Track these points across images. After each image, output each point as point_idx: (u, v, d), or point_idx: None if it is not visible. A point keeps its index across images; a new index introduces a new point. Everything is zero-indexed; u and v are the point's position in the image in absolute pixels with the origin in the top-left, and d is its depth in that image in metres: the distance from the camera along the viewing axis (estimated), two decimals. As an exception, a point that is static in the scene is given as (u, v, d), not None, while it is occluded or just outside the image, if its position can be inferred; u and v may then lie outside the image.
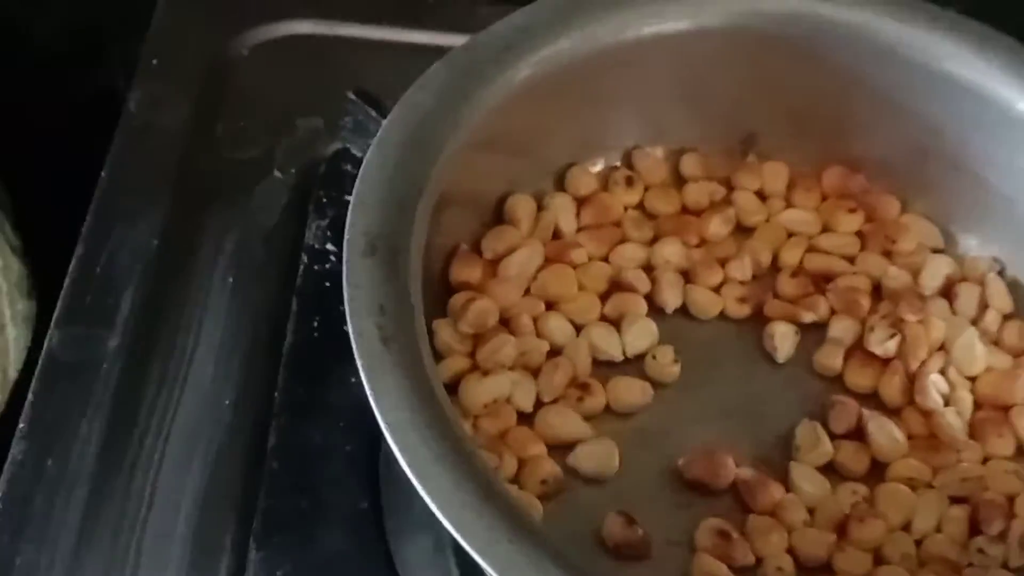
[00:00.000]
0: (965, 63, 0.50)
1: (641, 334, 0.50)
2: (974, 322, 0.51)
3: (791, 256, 0.53)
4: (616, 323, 0.50)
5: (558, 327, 0.49)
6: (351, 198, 0.41)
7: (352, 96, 0.55)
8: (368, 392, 0.37)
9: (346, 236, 0.40)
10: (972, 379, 0.50)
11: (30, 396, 0.51)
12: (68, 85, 0.79)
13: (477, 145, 0.46)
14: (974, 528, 0.46)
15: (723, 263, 0.52)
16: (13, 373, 0.68)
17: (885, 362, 0.50)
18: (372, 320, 0.38)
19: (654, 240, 0.53)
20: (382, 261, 0.39)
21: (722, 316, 0.52)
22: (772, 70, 0.52)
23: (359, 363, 0.37)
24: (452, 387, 0.46)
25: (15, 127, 0.78)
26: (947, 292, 0.52)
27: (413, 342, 0.38)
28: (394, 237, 0.40)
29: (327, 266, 0.55)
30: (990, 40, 0.50)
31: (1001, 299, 0.51)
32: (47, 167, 0.75)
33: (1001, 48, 0.50)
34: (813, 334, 0.51)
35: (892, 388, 0.49)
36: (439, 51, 0.47)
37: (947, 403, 0.49)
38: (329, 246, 0.55)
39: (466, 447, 0.36)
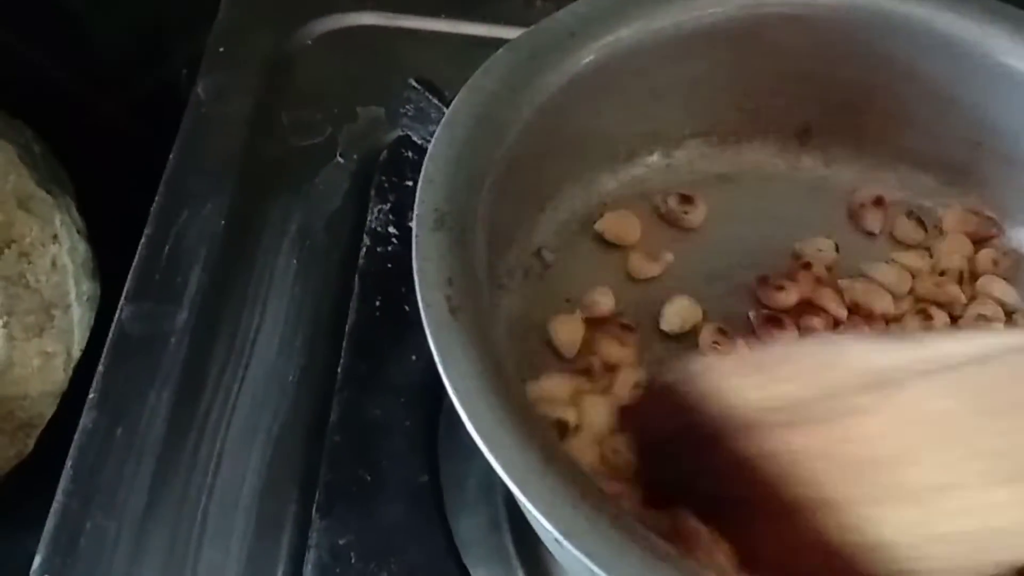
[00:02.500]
0: (1021, 57, 0.50)
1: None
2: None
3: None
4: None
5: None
6: (420, 175, 0.42)
7: (414, 84, 0.56)
8: (437, 360, 0.38)
9: (416, 211, 0.41)
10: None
11: (100, 367, 0.52)
12: (131, 79, 0.81)
13: (540, 129, 0.47)
14: None
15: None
16: (77, 352, 0.70)
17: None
18: (441, 292, 0.39)
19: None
20: (450, 235, 0.41)
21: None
22: (827, 62, 0.52)
23: (428, 332, 0.38)
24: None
25: (79, 118, 0.80)
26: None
27: (480, 313, 0.39)
28: (462, 213, 0.41)
29: (389, 248, 0.56)
30: (1048, 33, 0.50)
31: None
32: (108, 155, 0.77)
33: (1057, 42, 0.50)
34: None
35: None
36: (497, 43, 0.48)
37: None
38: (391, 229, 0.57)
39: (531, 414, 0.37)
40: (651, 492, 0.39)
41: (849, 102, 0.54)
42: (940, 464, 0.34)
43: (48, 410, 0.68)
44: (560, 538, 0.34)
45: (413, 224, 0.41)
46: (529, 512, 0.36)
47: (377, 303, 0.54)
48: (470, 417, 0.36)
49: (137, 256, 0.56)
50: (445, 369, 0.38)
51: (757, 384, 0.37)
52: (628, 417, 0.42)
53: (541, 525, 0.35)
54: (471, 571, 0.48)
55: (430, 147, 0.43)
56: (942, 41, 0.51)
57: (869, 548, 0.34)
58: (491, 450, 0.36)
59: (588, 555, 0.34)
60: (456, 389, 0.37)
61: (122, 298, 0.55)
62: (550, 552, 0.47)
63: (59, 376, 0.69)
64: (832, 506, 0.34)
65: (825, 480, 0.34)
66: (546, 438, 0.37)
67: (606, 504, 0.35)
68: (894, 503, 0.34)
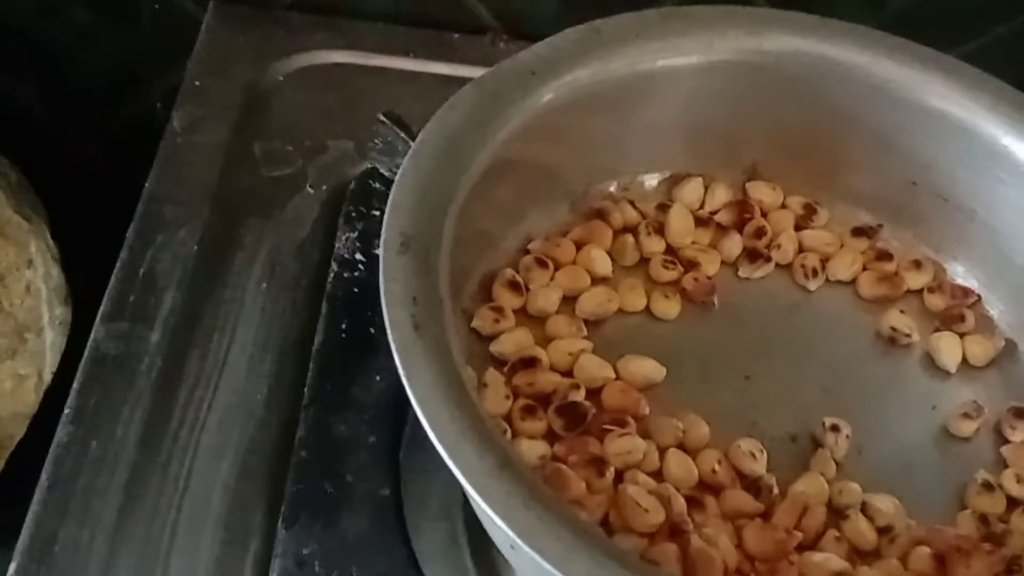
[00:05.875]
0: (954, 101, 0.54)
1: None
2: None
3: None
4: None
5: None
6: (388, 202, 0.45)
7: (382, 118, 0.59)
8: (401, 374, 0.40)
9: (383, 235, 0.44)
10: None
11: (75, 384, 0.54)
12: (108, 111, 0.83)
13: (502, 162, 0.50)
14: None
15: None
16: (48, 375, 0.71)
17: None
18: (406, 310, 0.42)
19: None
20: (415, 258, 0.43)
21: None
22: (774, 105, 0.56)
23: (393, 347, 0.41)
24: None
25: (56, 147, 0.82)
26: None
27: (442, 330, 0.42)
28: (426, 237, 0.44)
29: (356, 274, 0.59)
30: (977, 80, 0.54)
31: None
32: (83, 184, 0.79)
33: (987, 87, 0.54)
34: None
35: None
36: (463, 81, 0.50)
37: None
38: (358, 256, 0.59)
39: (488, 424, 0.40)
40: None
41: (794, 143, 0.57)
42: None
43: (19, 431, 0.70)
44: (515, 538, 0.37)
45: (380, 247, 0.43)
46: (485, 515, 0.38)
47: (344, 326, 0.57)
48: (432, 426, 0.39)
49: (112, 278, 0.58)
50: (409, 382, 0.40)
51: None
52: None
53: (497, 528, 0.38)
54: (430, 582, 0.50)
55: (398, 175, 0.46)
56: (881, 87, 0.55)
57: None
58: (451, 456, 0.38)
59: (540, 553, 0.36)
60: (419, 400, 0.39)
61: (97, 319, 0.57)
62: (506, 563, 0.49)
63: (30, 398, 0.71)
64: None
65: None
66: (502, 447, 0.39)
67: (558, 506, 0.38)
68: None
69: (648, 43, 0.53)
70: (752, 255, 0.57)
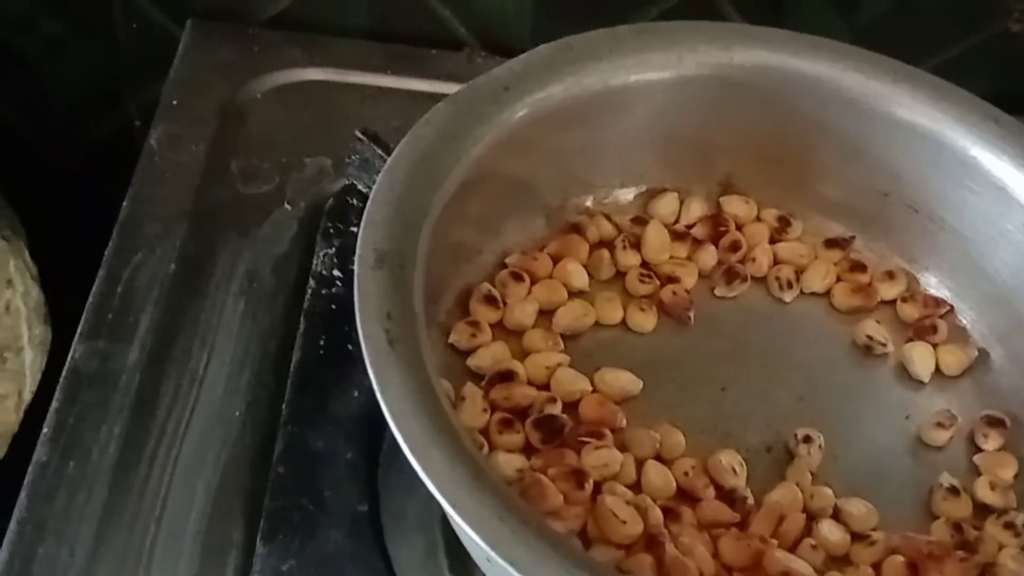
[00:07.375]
0: (922, 113, 0.55)
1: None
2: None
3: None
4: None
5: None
6: (363, 217, 0.45)
7: (359, 135, 0.59)
8: (375, 387, 0.40)
9: (358, 251, 0.44)
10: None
11: (54, 404, 0.54)
12: (85, 127, 0.83)
13: (476, 176, 0.50)
14: None
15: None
16: (28, 395, 0.71)
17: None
18: (380, 324, 0.42)
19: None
20: (389, 273, 0.44)
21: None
22: (745, 117, 0.56)
23: (367, 361, 0.41)
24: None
25: (33, 165, 0.82)
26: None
27: (415, 344, 0.42)
28: (401, 252, 0.44)
29: (333, 290, 0.59)
30: (944, 92, 0.55)
31: None
32: (61, 202, 0.79)
33: (955, 99, 0.54)
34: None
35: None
36: (439, 98, 0.51)
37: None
38: (336, 272, 0.59)
39: (460, 436, 0.40)
40: None
41: (767, 155, 0.58)
42: None
43: (0, 451, 0.70)
44: (487, 548, 0.37)
45: (355, 262, 0.44)
46: (459, 527, 0.38)
47: (321, 342, 0.57)
48: (404, 438, 0.39)
49: (91, 297, 0.58)
50: (383, 395, 0.40)
51: None
52: None
53: (472, 540, 0.38)
54: (408, 595, 0.50)
55: (372, 191, 0.46)
56: (849, 99, 0.55)
57: None
58: (423, 468, 0.38)
59: (513, 564, 0.37)
60: (392, 413, 0.40)
61: (75, 337, 0.57)
62: (483, 574, 0.49)
63: (11, 417, 0.71)
64: None
65: None
66: (474, 458, 0.39)
67: (531, 517, 0.38)
68: None
69: (620, 59, 0.54)
70: (728, 275, 0.57)
